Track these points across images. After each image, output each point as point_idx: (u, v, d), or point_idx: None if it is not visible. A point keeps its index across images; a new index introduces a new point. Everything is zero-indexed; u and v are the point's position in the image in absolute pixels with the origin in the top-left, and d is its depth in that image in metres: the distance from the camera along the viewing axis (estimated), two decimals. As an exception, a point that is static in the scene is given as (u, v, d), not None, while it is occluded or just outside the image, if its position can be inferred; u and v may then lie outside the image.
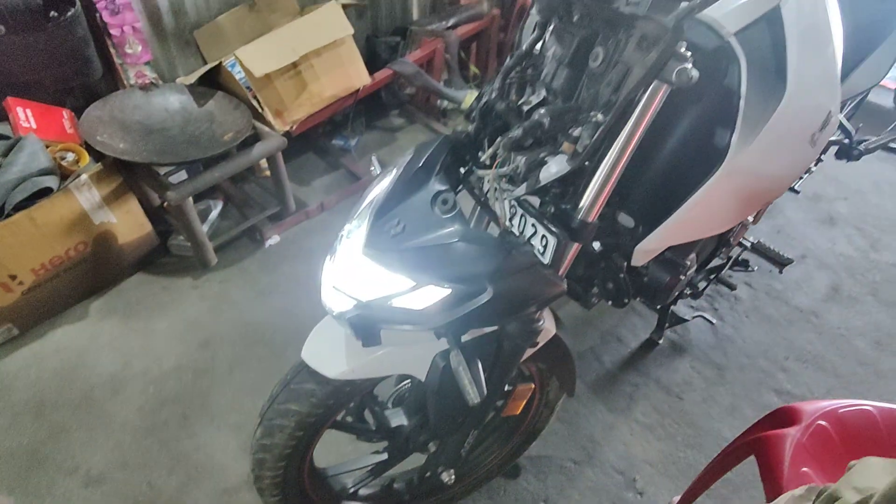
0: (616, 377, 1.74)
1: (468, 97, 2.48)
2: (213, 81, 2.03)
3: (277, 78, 1.98)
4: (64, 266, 1.72)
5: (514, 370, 0.93)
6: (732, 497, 1.45)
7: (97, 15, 1.70)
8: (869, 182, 2.59)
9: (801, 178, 1.76)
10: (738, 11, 0.81)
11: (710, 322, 1.88)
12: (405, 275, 0.73)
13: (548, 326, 1.00)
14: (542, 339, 0.98)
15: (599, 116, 0.71)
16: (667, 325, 1.78)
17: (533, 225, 0.79)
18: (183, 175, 1.94)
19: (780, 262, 1.64)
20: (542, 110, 0.71)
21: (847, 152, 1.53)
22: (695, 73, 0.67)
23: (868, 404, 1.08)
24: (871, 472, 0.60)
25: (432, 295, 0.72)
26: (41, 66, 1.65)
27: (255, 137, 1.93)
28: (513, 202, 0.81)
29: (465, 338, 0.85)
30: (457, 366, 0.77)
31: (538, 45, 0.81)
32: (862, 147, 1.54)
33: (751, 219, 1.47)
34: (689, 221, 0.88)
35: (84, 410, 1.58)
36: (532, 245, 0.81)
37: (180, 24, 2.00)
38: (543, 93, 0.81)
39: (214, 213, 2.09)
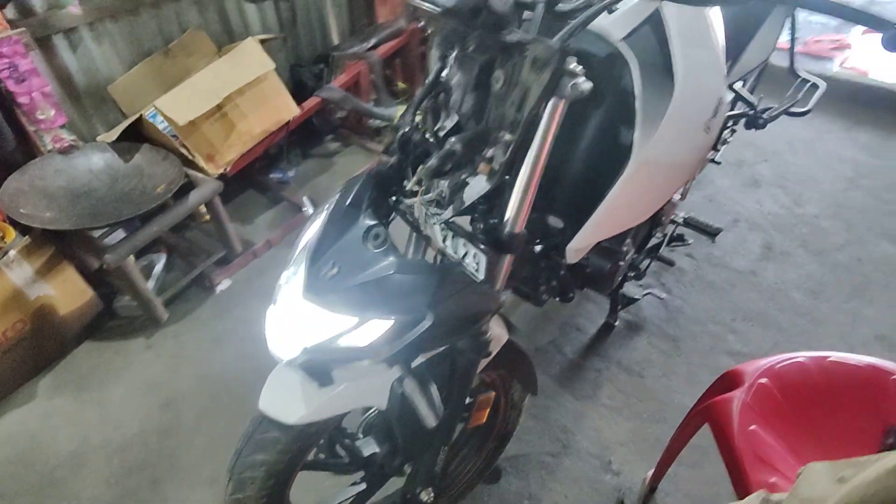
0: (579, 365, 1.80)
1: (398, 113, 2.51)
2: (137, 134, 1.99)
3: (203, 122, 1.96)
4: (2, 348, 1.65)
5: (471, 384, 0.96)
6: (703, 460, 1.52)
7: (1, 86, 1.64)
8: (783, 143, 2.76)
9: (718, 150, 1.87)
10: (623, 18, 0.87)
11: (660, 297, 1.97)
12: (347, 313, 0.75)
13: (498, 334, 1.03)
14: (494, 348, 1.01)
15: (508, 136, 0.75)
16: (619, 307, 1.85)
17: (464, 244, 0.82)
18: (120, 234, 1.90)
19: (711, 233, 1.74)
20: (454, 138, 0.74)
21: (753, 122, 1.63)
22: (587, 87, 0.71)
23: (800, 356, 1.17)
24: (816, 480, 0.59)
25: (376, 329, 0.74)
26: (-53, 145, 1.58)
27: (190, 185, 1.89)
28: (443, 225, 0.85)
29: (417, 361, 0.88)
30: (411, 392, 0.79)
31: (444, 73, 0.84)
32: (766, 115, 1.65)
33: (678, 196, 1.56)
34: (609, 217, 0.94)
35: (48, 494, 1.52)
36: (466, 264, 0.84)
37: (93, 81, 1.95)
38: (456, 117, 0.85)
39: (159, 267, 2.04)
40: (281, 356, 0.80)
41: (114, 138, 1.94)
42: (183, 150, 1.97)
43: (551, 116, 0.74)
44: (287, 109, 2.20)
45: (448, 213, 0.82)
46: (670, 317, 1.93)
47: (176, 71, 2.06)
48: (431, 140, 0.87)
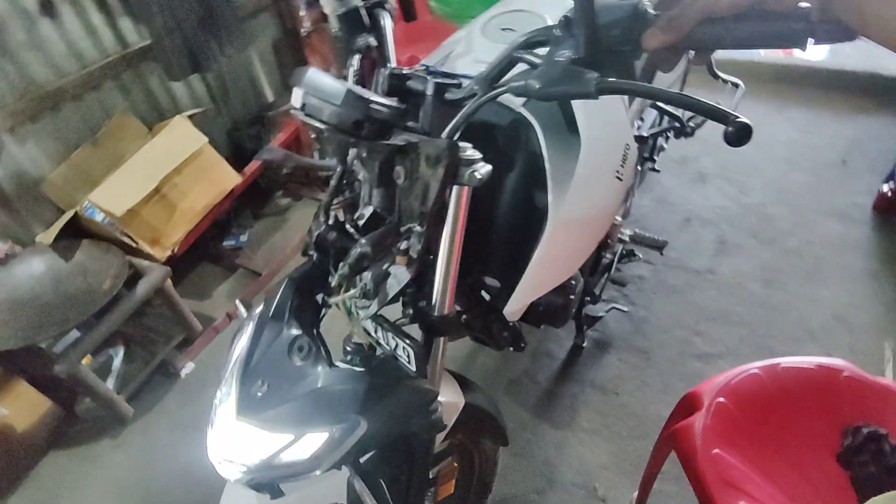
0: (554, 393, 1.80)
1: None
2: (77, 229, 1.94)
3: (143, 208, 1.93)
4: (-39, 479, 1.58)
5: (429, 463, 0.95)
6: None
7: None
8: (719, 133, 2.84)
9: (655, 159, 1.91)
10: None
11: (623, 310, 1.99)
12: (283, 431, 0.73)
13: (451, 402, 1.03)
14: (450, 418, 1.01)
15: (418, 228, 0.75)
16: (585, 327, 1.87)
17: (393, 338, 0.82)
18: (73, 333, 1.84)
19: (658, 246, 1.77)
20: (363, 240, 0.74)
21: (682, 132, 1.68)
22: (485, 171, 0.72)
23: (752, 367, 1.18)
24: None
25: (313, 442, 0.73)
26: None
27: (137, 274, 1.86)
28: (370, 320, 0.84)
29: (366, 456, 0.86)
30: (360, 492, 0.78)
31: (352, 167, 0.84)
32: (692, 124, 1.70)
33: (619, 218, 1.59)
34: (539, 278, 0.95)
35: None
36: (399, 356, 0.83)
37: (23, 184, 1.90)
38: (371, 207, 0.85)
39: (117, 361, 1.99)
40: (226, 476, 0.78)
41: (52, 238, 1.89)
42: (126, 239, 1.93)
43: (458, 203, 0.75)
44: (228, 178, 2.18)
45: (374, 307, 0.82)
46: (636, 328, 1.95)
47: (108, 159, 2.02)
48: (352, 230, 0.87)
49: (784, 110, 2.93)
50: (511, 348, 1.29)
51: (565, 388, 1.81)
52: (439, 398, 0.96)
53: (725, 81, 1.94)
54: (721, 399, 1.14)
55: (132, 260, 1.88)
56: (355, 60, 0.85)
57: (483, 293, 1.12)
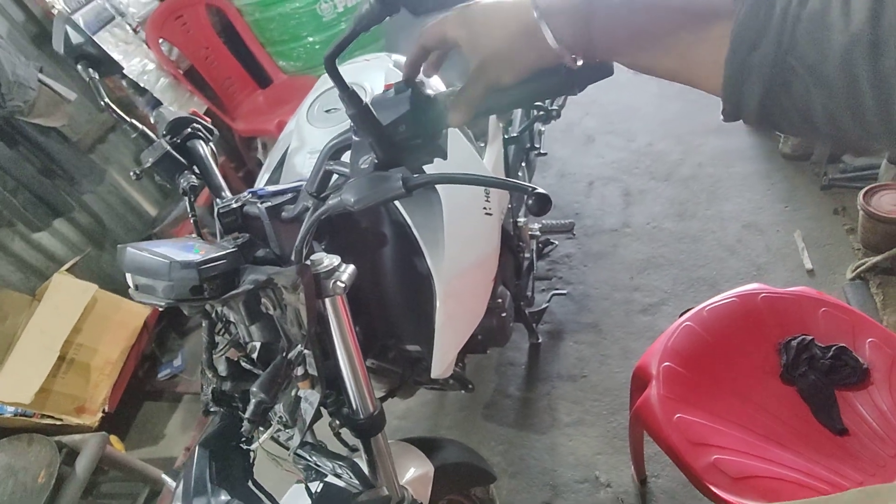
0: (528, 399, 1.81)
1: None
2: (-10, 430, 1.78)
3: (53, 383, 1.79)
4: None
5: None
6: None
7: None
8: (593, 88, 2.94)
9: (537, 147, 1.95)
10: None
11: (563, 293, 2.03)
12: None
13: (419, 475, 1.01)
14: (423, 492, 0.99)
15: (306, 351, 0.73)
16: (534, 325, 1.89)
17: (327, 461, 0.79)
18: (26, 538, 1.68)
19: (567, 230, 1.81)
20: (254, 388, 0.71)
21: (549, 117, 1.73)
22: (348, 275, 0.71)
23: (684, 321, 1.23)
24: None
25: None
26: None
27: (72, 452, 1.72)
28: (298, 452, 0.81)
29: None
30: None
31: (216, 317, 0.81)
32: (556, 107, 1.74)
33: (522, 219, 1.61)
34: (451, 336, 0.94)
35: None
36: (342, 476, 0.80)
37: None
38: (257, 345, 0.81)
39: (87, 546, 1.84)
40: None
41: (-35, 452, 1.73)
42: (48, 420, 1.79)
43: (336, 313, 0.73)
44: (135, 315, 2.06)
45: (297, 437, 0.79)
46: (580, 305, 2.00)
47: (-3, 344, 1.86)
48: (248, 365, 0.83)
49: (638, 49, 3.07)
50: (462, 391, 1.29)
51: (537, 391, 1.82)
52: (405, 477, 0.94)
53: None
54: (666, 363, 1.17)
55: (61, 440, 1.74)
56: (186, 204, 0.82)
57: (413, 357, 1.11)
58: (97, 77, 0.88)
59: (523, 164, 1.78)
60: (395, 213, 0.89)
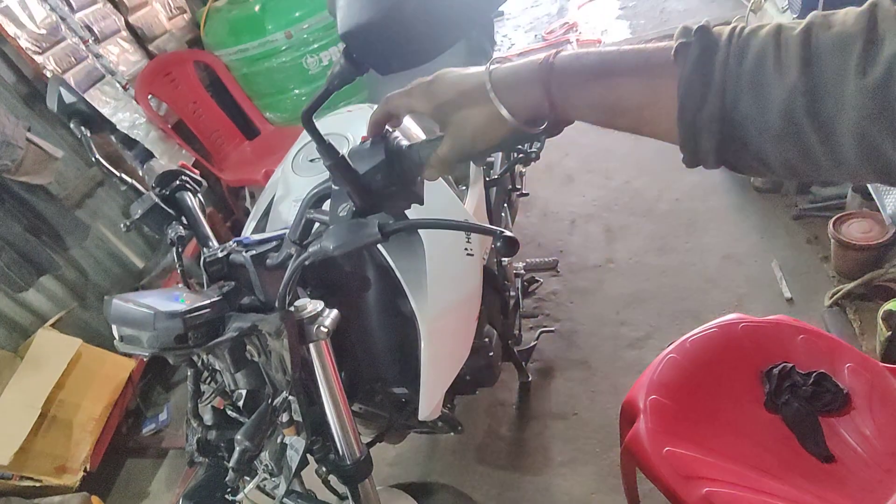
0: (520, 439, 1.79)
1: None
2: (-35, 496, 1.72)
3: (33, 443, 1.74)
4: None
5: None
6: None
7: None
8: (572, 130, 3.02)
9: (519, 188, 2.00)
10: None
11: (551, 331, 2.04)
12: None
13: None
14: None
15: (291, 397, 0.74)
16: (523, 363, 1.89)
17: (315, 507, 0.78)
18: None
19: (551, 267, 1.85)
20: (238, 437, 0.71)
21: (528, 159, 1.79)
22: (331, 320, 0.73)
23: (667, 352, 1.24)
24: None
25: None
26: None
27: (52, 515, 1.66)
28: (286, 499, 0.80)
29: None
30: None
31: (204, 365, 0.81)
32: (535, 149, 1.81)
33: (506, 260, 1.64)
34: (437, 376, 0.95)
35: None
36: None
37: None
38: (243, 392, 0.82)
39: None
40: None
41: (-62, 520, 1.66)
42: (27, 482, 1.73)
43: (321, 357, 0.74)
44: (119, 368, 2.03)
45: (283, 483, 0.78)
46: (568, 342, 2.01)
47: (-23, 405, 1.82)
48: (234, 413, 0.83)
49: (612, 92, 3.21)
50: (452, 433, 1.28)
51: (529, 430, 1.81)
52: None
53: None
54: (653, 396, 1.18)
55: (40, 503, 1.68)
56: (174, 254, 0.84)
57: (401, 401, 1.11)
58: (88, 134, 0.91)
59: (506, 205, 1.82)
60: (378, 256, 0.91)
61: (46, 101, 0.94)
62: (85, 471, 1.86)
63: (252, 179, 2.62)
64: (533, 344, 1.93)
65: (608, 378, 1.84)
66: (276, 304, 0.69)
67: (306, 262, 0.63)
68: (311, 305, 0.73)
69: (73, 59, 2.26)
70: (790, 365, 1.16)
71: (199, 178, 0.96)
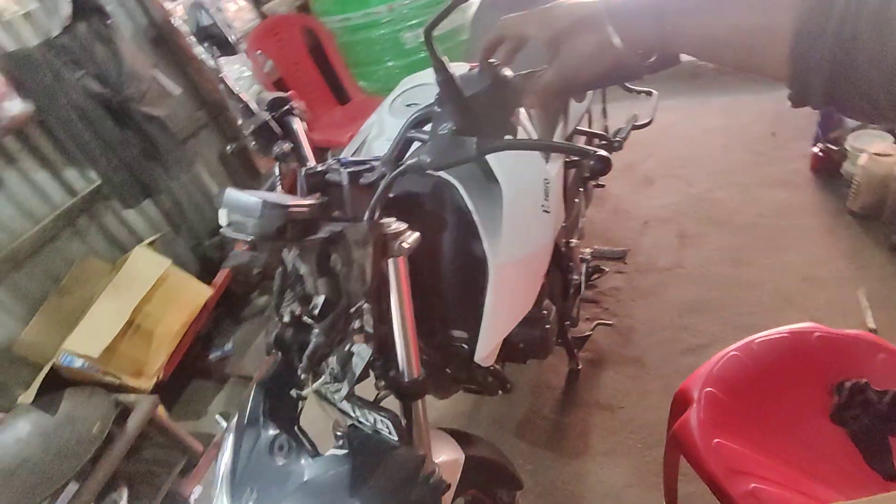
0: (562, 423, 1.79)
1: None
2: (58, 381, 1.93)
3: (119, 344, 1.93)
4: None
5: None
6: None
7: None
8: (658, 133, 2.95)
9: (596, 179, 2.00)
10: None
11: (609, 324, 2.02)
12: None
13: (450, 460, 1.03)
14: (452, 476, 1.01)
15: (366, 305, 0.80)
16: (575, 350, 1.89)
17: (369, 413, 0.84)
18: (72, 487, 1.79)
19: (619, 257, 1.83)
20: (316, 330, 0.78)
21: (610, 148, 1.77)
22: (414, 239, 0.77)
23: (730, 351, 1.22)
24: None
25: (313, 540, 0.74)
26: None
27: (125, 410, 1.84)
28: (344, 400, 0.86)
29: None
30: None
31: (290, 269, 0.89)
32: (619, 138, 1.79)
33: (575, 240, 1.65)
34: (498, 320, 0.98)
35: None
36: (380, 430, 0.85)
37: (-5, 349, 1.91)
38: (322, 296, 0.89)
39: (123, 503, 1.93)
40: None
41: (33, 396, 1.88)
42: (108, 378, 1.93)
43: (397, 273, 0.79)
44: (199, 294, 2.21)
45: (345, 388, 0.85)
46: (625, 338, 1.98)
47: (76, 304, 2.03)
48: (309, 320, 0.90)
49: (707, 102, 3.10)
50: (500, 391, 1.31)
51: (572, 416, 1.81)
52: (437, 459, 0.97)
53: (639, 92, 2.06)
54: (708, 389, 1.16)
55: (118, 397, 1.86)
56: (276, 168, 0.92)
57: (457, 345, 1.15)
58: (218, 55, 1.00)
59: (581, 190, 1.82)
60: (458, 199, 0.95)
61: (186, 25, 1.05)
62: (158, 379, 2.04)
63: (338, 142, 2.75)
64: (588, 333, 1.93)
65: (661, 379, 1.80)
66: (366, 216, 0.75)
67: (402, 175, 0.68)
68: (395, 224, 0.78)
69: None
70: (865, 381, 1.10)
71: (304, 108, 1.05)
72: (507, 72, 0.63)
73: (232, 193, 0.74)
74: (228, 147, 0.94)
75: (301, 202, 0.74)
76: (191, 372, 2.42)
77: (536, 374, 1.98)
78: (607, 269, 1.94)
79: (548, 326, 1.35)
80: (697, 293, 2.04)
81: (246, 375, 2.34)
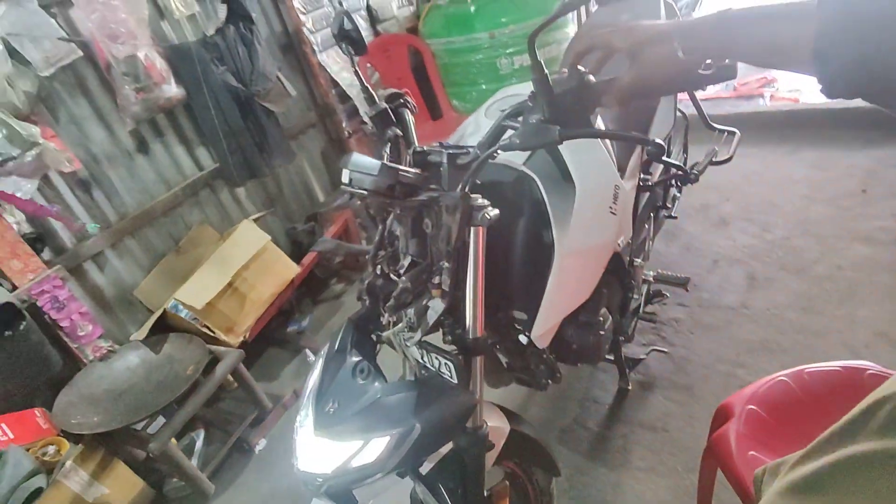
0: (605, 436, 1.85)
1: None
2: (164, 325, 2.24)
3: (218, 301, 2.22)
4: (70, 557, 1.75)
5: (482, 479, 1.06)
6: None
7: (46, 316, 1.92)
8: (740, 178, 2.98)
9: (670, 206, 2.07)
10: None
11: (663, 351, 2.06)
12: (351, 439, 0.89)
13: (497, 426, 1.15)
14: (497, 440, 1.13)
15: (447, 264, 0.95)
16: (627, 370, 1.94)
17: (436, 357, 0.99)
18: (160, 420, 2.06)
19: (681, 283, 1.88)
20: (403, 277, 0.94)
21: (686, 179, 1.85)
22: (494, 213, 0.93)
23: (780, 375, 1.26)
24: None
25: (378, 446, 0.88)
26: (5, 380, 1.82)
27: (215, 359, 2.10)
28: (418, 345, 1.02)
29: (425, 468, 1.00)
30: (423, 496, 0.91)
31: (387, 231, 1.07)
32: (696, 171, 1.86)
33: (640, 260, 1.73)
34: (557, 301, 1.11)
35: None
36: (442, 374, 1.00)
37: (120, 291, 2.24)
38: (409, 257, 1.06)
39: (199, 444, 2.18)
40: (307, 487, 0.93)
41: (144, 335, 2.19)
42: (205, 329, 2.21)
43: (476, 241, 0.95)
44: (289, 270, 2.48)
45: (418, 335, 1.00)
46: (678, 367, 2.01)
47: (188, 264, 2.36)
48: (395, 279, 1.07)
49: (796, 152, 3.06)
50: (549, 381, 1.42)
51: (615, 430, 1.86)
52: (486, 422, 1.10)
53: (722, 131, 2.13)
54: (751, 406, 1.22)
55: (210, 347, 2.13)
56: (387, 148, 1.11)
57: (516, 326, 1.28)
58: (353, 53, 1.22)
59: (651, 217, 1.90)
60: (535, 191, 1.10)
61: (330, 28, 1.28)
62: (244, 338, 2.30)
63: (426, 152, 2.99)
64: (642, 357, 1.98)
65: (709, 408, 1.80)
66: (459, 188, 0.91)
67: (495, 154, 0.84)
68: (481, 199, 0.94)
69: (324, 22, 2.81)
70: (913, 420, 1.11)
71: (414, 103, 1.24)
72: (591, 77, 0.78)
73: (356, 156, 0.93)
74: (346, 131, 1.11)
75: (409, 170, 0.92)
76: (270, 339, 2.68)
77: (586, 387, 2.05)
78: (668, 296, 1.99)
79: (602, 333, 1.45)
80: (760, 335, 2.03)
81: (317, 351, 2.56)
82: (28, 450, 1.74)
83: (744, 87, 3.99)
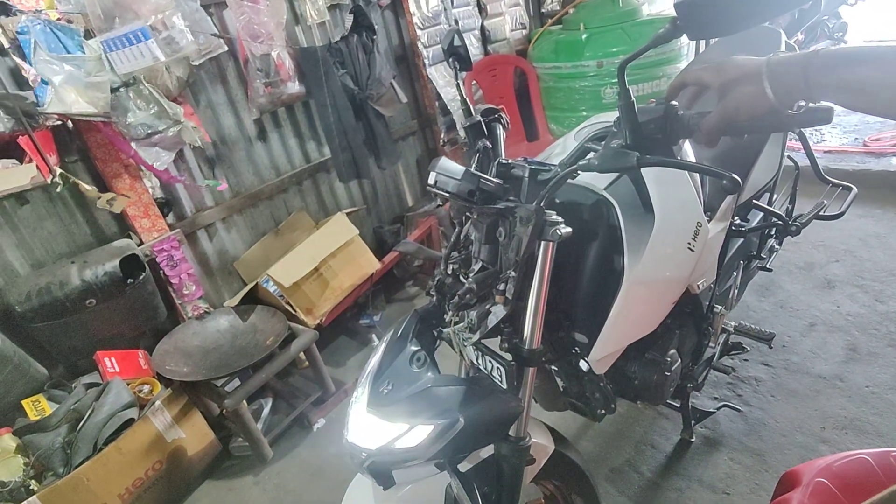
0: (658, 485, 1.77)
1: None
2: (253, 297, 2.45)
3: (304, 283, 2.39)
4: (144, 486, 1.96)
5: (519, 490, 1.07)
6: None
7: (161, 272, 2.18)
8: (855, 240, 2.73)
9: (763, 258, 1.95)
10: (605, 175, 1.13)
11: (737, 410, 1.93)
12: (399, 421, 0.95)
13: (541, 443, 1.16)
14: (539, 456, 1.14)
15: (513, 273, 0.99)
16: (693, 421, 1.85)
17: (490, 361, 1.02)
18: (236, 382, 2.26)
19: (765, 338, 1.76)
20: (471, 278, 0.99)
21: (785, 231, 1.74)
22: (566, 231, 0.95)
23: (863, 453, 1.15)
24: None
25: (421, 432, 0.93)
26: (121, 321, 2.08)
27: (292, 336, 2.26)
28: (474, 346, 1.06)
29: (465, 466, 1.03)
30: (458, 492, 0.95)
31: (465, 232, 1.12)
32: (798, 223, 1.75)
33: (721, 308, 1.65)
34: (617, 331, 1.10)
35: None
36: (493, 377, 1.03)
37: (223, 260, 2.49)
38: (480, 262, 1.11)
39: (266, 410, 2.36)
40: (353, 459, 1.00)
41: (236, 303, 2.41)
42: (287, 307, 2.39)
43: (545, 255, 0.98)
44: (370, 265, 2.61)
45: (476, 336, 1.04)
46: (751, 429, 1.88)
47: (284, 245, 2.57)
48: (464, 281, 1.12)
49: (928, 219, 2.75)
50: (604, 411, 1.39)
51: (670, 482, 1.77)
52: (530, 435, 1.11)
53: (837, 186, 1.98)
54: (821, 479, 1.12)
55: (290, 324, 2.31)
56: (476, 157, 1.17)
57: (575, 348, 1.28)
58: (458, 69, 1.30)
59: (741, 264, 1.81)
60: (612, 217, 1.11)
61: (441, 43, 1.37)
62: (321, 321, 2.46)
63: (517, 171, 3.03)
64: (712, 411, 1.87)
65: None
66: (535, 202, 0.95)
67: (575, 174, 0.87)
68: (555, 216, 0.96)
69: (437, 39, 2.96)
70: None
71: (507, 118, 1.30)
72: (680, 111, 0.79)
73: (444, 160, 1.00)
74: (442, 140, 1.19)
75: (491, 179, 0.97)
76: (343, 328, 2.84)
77: (645, 431, 1.97)
78: (748, 349, 1.86)
79: (667, 374, 1.40)
80: (852, 411, 1.85)
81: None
82: (128, 384, 1.98)
83: (874, 142, 3.65)
